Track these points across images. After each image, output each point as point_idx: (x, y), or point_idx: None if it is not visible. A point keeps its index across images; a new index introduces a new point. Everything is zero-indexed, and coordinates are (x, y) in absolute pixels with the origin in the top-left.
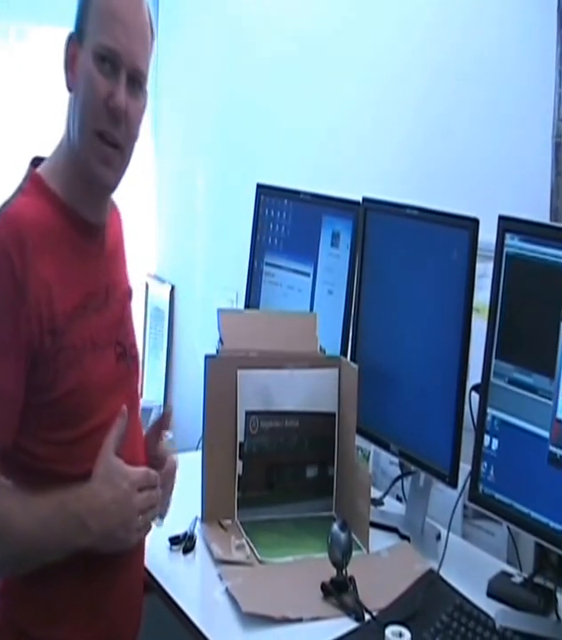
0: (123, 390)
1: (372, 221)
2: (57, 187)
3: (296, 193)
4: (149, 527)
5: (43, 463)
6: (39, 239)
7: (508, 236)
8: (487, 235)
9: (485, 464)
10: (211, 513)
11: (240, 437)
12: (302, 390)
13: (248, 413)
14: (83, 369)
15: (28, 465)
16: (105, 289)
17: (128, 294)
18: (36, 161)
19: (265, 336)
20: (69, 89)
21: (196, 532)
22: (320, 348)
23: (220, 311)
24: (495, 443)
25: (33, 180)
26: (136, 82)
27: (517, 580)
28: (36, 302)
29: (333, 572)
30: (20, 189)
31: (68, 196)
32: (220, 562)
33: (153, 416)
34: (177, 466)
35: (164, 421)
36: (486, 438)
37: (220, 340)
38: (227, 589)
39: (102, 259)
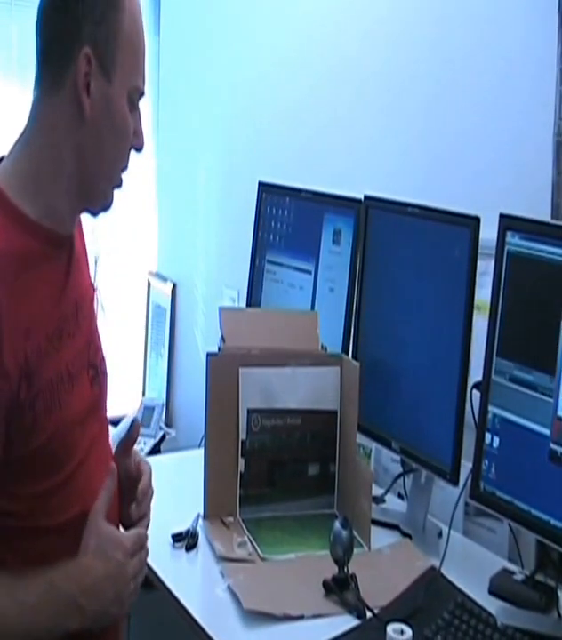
0: (95, 415)
1: (373, 219)
2: (22, 201)
3: (298, 191)
4: (138, 592)
5: (17, 520)
6: (9, 269)
7: (509, 234)
8: (488, 233)
9: (487, 461)
10: (213, 510)
11: (242, 435)
12: (304, 388)
13: (250, 411)
14: (61, 409)
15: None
16: (75, 306)
17: (93, 300)
18: None
19: (266, 334)
20: (81, 114)
21: (199, 530)
22: (321, 346)
23: (221, 309)
24: (496, 440)
25: None
26: None
27: (519, 577)
28: (10, 356)
29: (335, 569)
30: None
31: (37, 210)
32: (222, 559)
33: (119, 430)
34: (151, 472)
35: (132, 437)
36: (487, 436)
37: (222, 338)
38: (229, 586)
39: (71, 269)
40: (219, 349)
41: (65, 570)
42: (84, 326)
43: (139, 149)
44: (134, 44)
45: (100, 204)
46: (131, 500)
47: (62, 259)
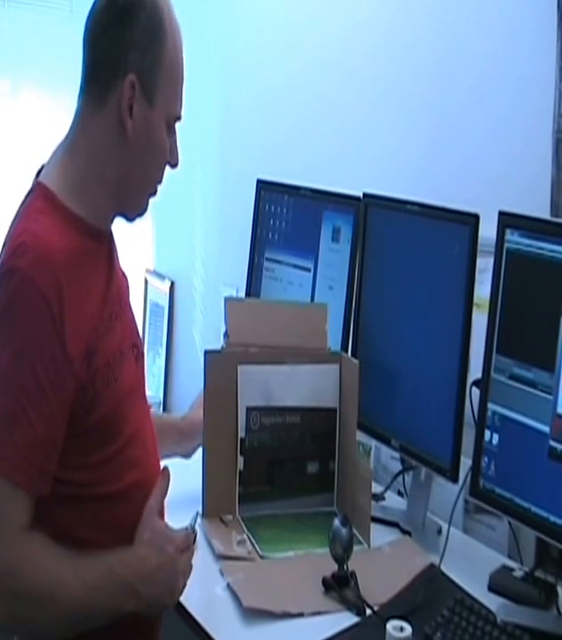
0: (140, 391)
1: (372, 217)
2: (72, 203)
3: (297, 188)
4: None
5: (79, 488)
6: (69, 271)
7: (508, 231)
8: (488, 230)
9: (486, 459)
10: (212, 508)
11: (241, 433)
12: (303, 386)
13: (249, 409)
14: (116, 383)
15: (59, 494)
16: (118, 292)
17: (128, 288)
18: (40, 171)
19: (272, 329)
20: (123, 132)
21: (198, 528)
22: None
23: (227, 300)
24: (496, 438)
25: (46, 198)
26: None
27: (518, 574)
28: (74, 345)
29: (335, 566)
30: (37, 210)
31: (84, 211)
32: (221, 557)
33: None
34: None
35: (162, 488)
36: (487, 433)
37: (226, 333)
38: (228, 585)
39: (113, 260)
40: (224, 341)
41: (122, 557)
42: (126, 310)
43: (174, 166)
44: (175, 74)
45: (135, 211)
46: None
47: (105, 251)
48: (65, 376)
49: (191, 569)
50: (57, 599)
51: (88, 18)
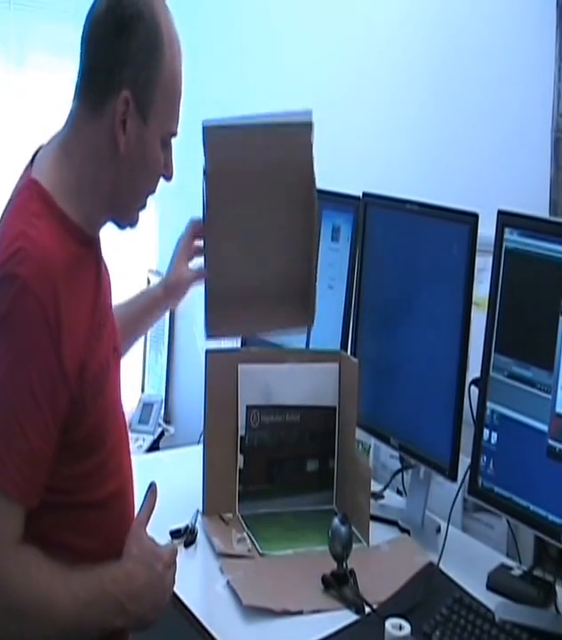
0: (120, 396)
1: (372, 216)
2: (67, 207)
3: None
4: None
5: (67, 496)
6: (66, 282)
7: (507, 230)
8: (487, 229)
9: (485, 458)
10: (212, 506)
11: (241, 431)
12: (303, 384)
13: (249, 408)
14: (103, 395)
15: (43, 500)
16: (104, 297)
17: (110, 282)
18: (34, 156)
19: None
20: (116, 147)
21: (198, 526)
22: None
23: (206, 127)
24: (495, 436)
25: (44, 201)
26: None
27: (517, 572)
28: (70, 360)
29: (334, 565)
30: (34, 213)
31: (78, 216)
32: (221, 555)
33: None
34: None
35: (150, 503)
36: (486, 432)
37: (205, 171)
38: (228, 583)
39: (100, 264)
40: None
41: (112, 573)
42: (109, 313)
43: (168, 179)
44: (172, 91)
45: (126, 221)
46: None
47: (94, 256)
48: (60, 390)
49: (174, 584)
50: (47, 615)
51: (87, 18)
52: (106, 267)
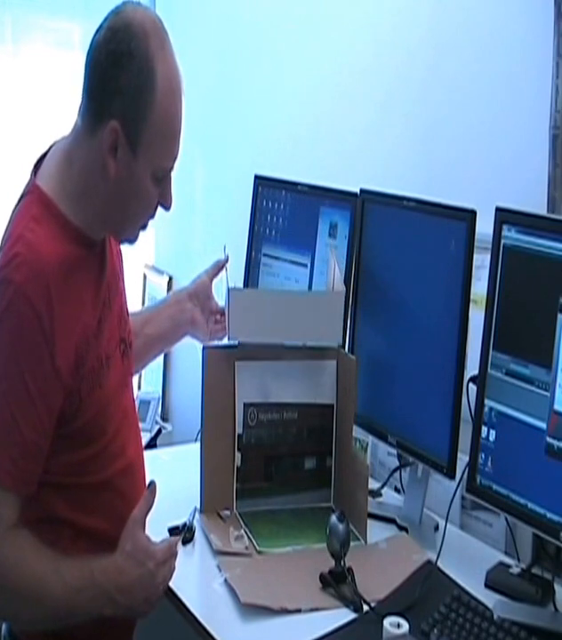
0: (126, 385)
1: (369, 213)
2: (69, 212)
3: (294, 184)
4: (165, 590)
5: (63, 477)
6: (62, 284)
7: (505, 227)
8: (485, 226)
9: (483, 455)
10: (210, 504)
11: (238, 429)
12: (300, 382)
13: (246, 405)
14: (101, 388)
15: (48, 481)
16: (108, 290)
17: (121, 271)
18: (38, 165)
19: (280, 326)
20: (107, 171)
21: (195, 523)
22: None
23: (230, 290)
24: (493, 434)
25: (45, 206)
26: None
27: (515, 570)
28: (62, 359)
29: (332, 562)
30: (34, 218)
31: (79, 220)
32: (218, 553)
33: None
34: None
35: (148, 501)
36: (484, 430)
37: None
38: (226, 580)
39: (105, 258)
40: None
41: (103, 565)
42: (115, 304)
43: (166, 209)
44: (165, 128)
45: (122, 237)
46: None
47: (98, 256)
48: (53, 387)
49: (173, 571)
50: (37, 596)
51: (91, 41)
52: (119, 259)
